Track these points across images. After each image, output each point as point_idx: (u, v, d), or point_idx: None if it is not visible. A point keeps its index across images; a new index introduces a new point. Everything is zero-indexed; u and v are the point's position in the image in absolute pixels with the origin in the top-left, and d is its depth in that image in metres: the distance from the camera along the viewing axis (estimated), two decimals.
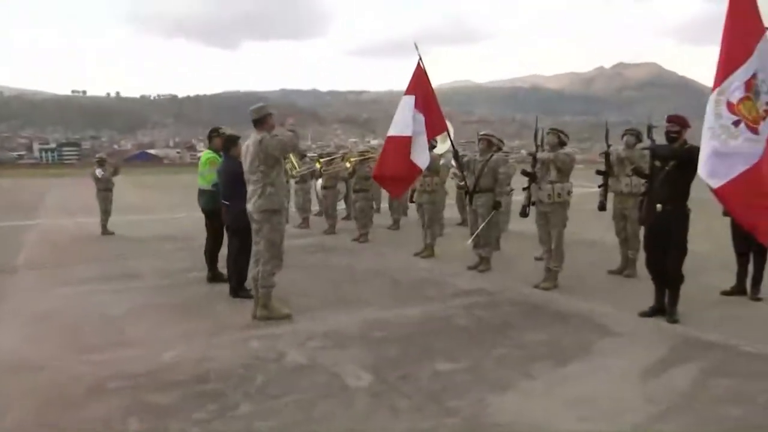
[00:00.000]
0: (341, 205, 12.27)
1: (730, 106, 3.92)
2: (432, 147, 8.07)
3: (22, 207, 17.87)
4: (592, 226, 8.93)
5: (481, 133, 7.35)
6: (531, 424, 3.05)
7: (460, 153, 7.47)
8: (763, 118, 3.91)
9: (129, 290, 6.29)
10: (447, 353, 4.14)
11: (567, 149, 6.31)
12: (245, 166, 5.01)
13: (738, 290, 5.88)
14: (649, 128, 5.06)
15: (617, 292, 6.02)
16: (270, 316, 5.01)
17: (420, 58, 6.71)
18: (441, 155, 8.49)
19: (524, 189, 6.35)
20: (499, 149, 8.62)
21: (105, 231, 11.32)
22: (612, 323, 4.90)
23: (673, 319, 4.93)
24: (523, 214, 6.36)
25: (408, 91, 6.93)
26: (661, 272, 5.05)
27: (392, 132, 6.86)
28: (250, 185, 4.97)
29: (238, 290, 5.81)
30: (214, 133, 6.63)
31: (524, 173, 6.20)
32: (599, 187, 6.60)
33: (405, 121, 6.80)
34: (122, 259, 8.36)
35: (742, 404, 3.27)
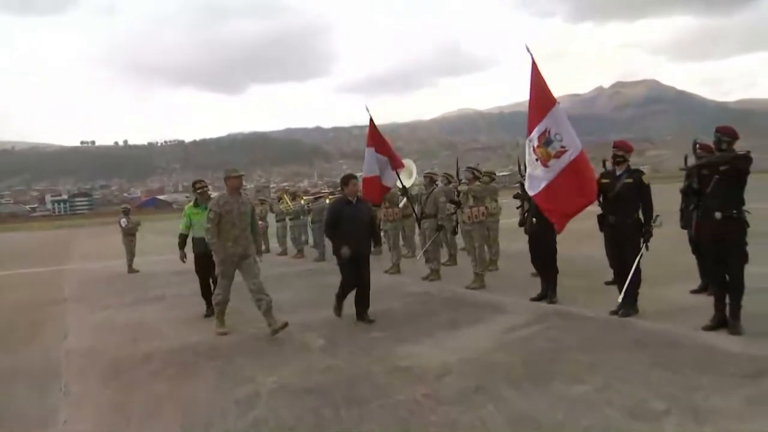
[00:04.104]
0: None
1: (533, 149, 6.16)
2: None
3: (51, 256, 20.05)
4: None
5: (425, 172, 9.36)
6: (416, 357, 4.97)
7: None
8: (555, 157, 6.02)
9: (157, 308, 8.27)
10: (380, 328, 6.07)
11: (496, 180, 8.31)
12: None
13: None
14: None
15: (529, 288, 7.83)
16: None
17: (371, 118, 8.78)
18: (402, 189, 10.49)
19: (452, 214, 8.32)
20: (449, 182, 10.63)
21: (131, 270, 13.33)
22: (508, 306, 6.81)
23: (552, 300, 6.82)
24: (454, 232, 8.30)
25: (368, 145, 9.04)
26: (542, 267, 6.98)
27: (365, 174, 9.05)
28: None
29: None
30: (198, 185, 7.71)
31: (451, 201, 8.17)
32: (517, 208, 8.55)
33: (372, 165, 9.01)
34: (147, 289, 10.34)
35: (548, 342, 5.19)
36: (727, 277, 5.12)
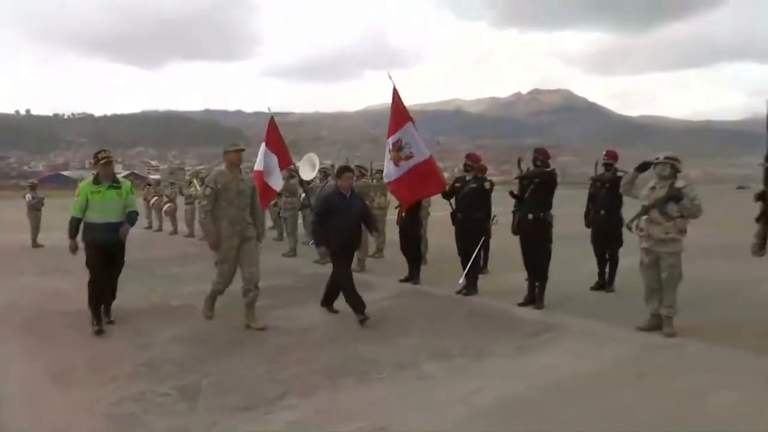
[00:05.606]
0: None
1: (390, 151, 7.58)
2: (292, 177, 11.20)
3: None
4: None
5: (321, 167, 10.57)
6: (290, 318, 6.21)
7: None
8: (405, 159, 7.45)
9: (69, 278, 8.95)
10: (268, 298, 7.15)
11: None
12: None
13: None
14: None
15: (403, 272, 9.14)
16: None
17: (272, 117, 9.81)
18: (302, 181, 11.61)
19: None
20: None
21: (35, 244, 13.64)
22: (379, 285, 8.13)
23: (415, 282, 8.23)
24: None
25: (264, 140, 9.99)
26: (409, 254, 8.38)
27: (256, 168, 9.95)
28: None
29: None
30: (102, 154, 5.99)
31: None
32: (396, 208, 9.90)
33: (262, 160, 9.90)
34: (57, 261, 10.87)
35: (399, 311, 6.59)
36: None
